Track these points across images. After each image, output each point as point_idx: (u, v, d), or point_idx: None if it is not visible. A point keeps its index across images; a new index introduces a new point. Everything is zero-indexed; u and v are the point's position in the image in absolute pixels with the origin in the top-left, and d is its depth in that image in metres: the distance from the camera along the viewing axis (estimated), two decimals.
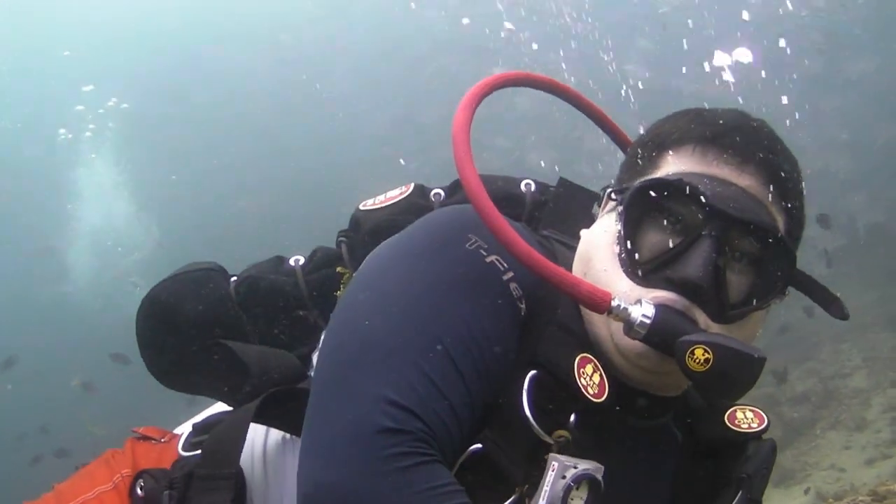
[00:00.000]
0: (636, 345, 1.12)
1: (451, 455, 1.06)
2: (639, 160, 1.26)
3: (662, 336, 1.09)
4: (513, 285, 1.14)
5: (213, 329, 1.41)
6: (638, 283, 1.15)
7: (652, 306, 1.10)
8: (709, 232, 1.12)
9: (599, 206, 1.31)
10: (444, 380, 1.03)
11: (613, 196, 1.23)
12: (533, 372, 1.12)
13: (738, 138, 1.18)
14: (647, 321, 1.09)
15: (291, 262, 1.49)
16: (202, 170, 15.84)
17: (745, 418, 1.29)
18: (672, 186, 1.15)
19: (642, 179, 1.20)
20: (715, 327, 1.13)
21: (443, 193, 1.43)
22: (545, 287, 1.14)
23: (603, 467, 1.11)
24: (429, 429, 0.99)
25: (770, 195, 1.18)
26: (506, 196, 1.39)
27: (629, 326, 1.11)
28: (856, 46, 10.83)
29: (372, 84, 15.27)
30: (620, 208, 1.19)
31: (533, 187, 1.44)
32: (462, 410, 1.05)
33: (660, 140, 1.24)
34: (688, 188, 1.13)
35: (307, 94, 15.23)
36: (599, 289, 1.12)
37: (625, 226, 1.17)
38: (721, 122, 1.20)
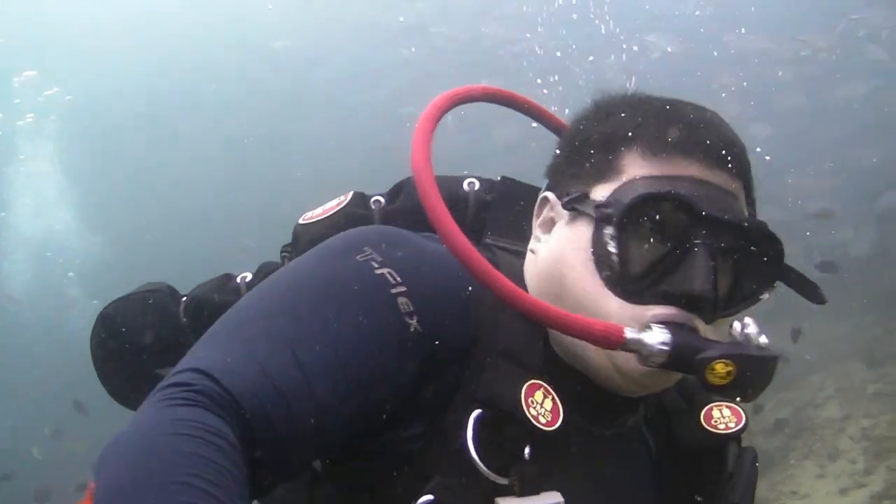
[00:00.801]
0: (643, 368, 1.08)
1: (289, 456, 0.98)
2: (590, 161, 1.18)
3: (681, 359, 1.05)
4: (402, 300, 1.06)
5: (163, 353, 1.39)
6: (630, 301, 1.09)
7: (666, 331, 1.05)
8: (703, 240, 1.08)
9: (535, 215, 1.25)
10: (277, 368, 0.96)
11: (579, 207, 1.15)
12: (477, 411, 1.06)
13: (704, 134, 1.13)
14: (666, 349, 1.04)
15: (238, 279, 1.46)
16: (150, 170, 15.20)
17: (723, 417, 1.23)
18: (672, 198, 1.08)
19: (636, 194, 1.10)
20: (710, 330, 1.11)
21: (383, 200, 1.39)
22: (478, 308, 1.11)
23: (561, 496, 1.08)
24: (230, 396, 0.91)
25: (742, 189, 1.16)
26: (449, 198, 1.28)
27: (646, 356, 1.05)
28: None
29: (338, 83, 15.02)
30: (609, 226, 1.10)
31: (477, 186, 1.37)
32: (300, 406, 0.96)
33: (614, 138, 1.17)
34: (686, 198, 1.08)
35: (268, 89, 14.79)
36: (612, 325, 1.05)
37: (621, 244, 1.09)
38: (684, 116, 1.15)
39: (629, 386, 1.13)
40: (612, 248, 1.09)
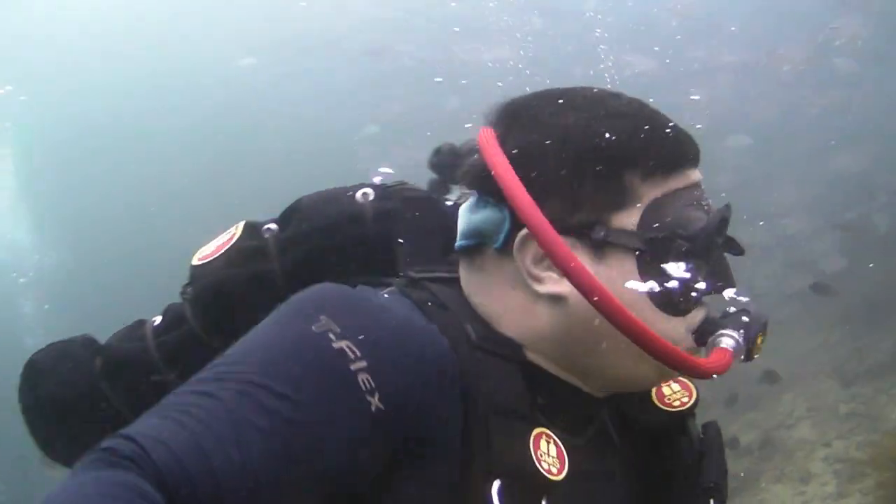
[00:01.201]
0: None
1: None
2: (593, 186, 1.09)
3: (748, 346, 1.13)
4: (363, 377, 0.97)
5: (77, 406, 1.36)
6: (680, 316, 1.12)
7: (731, 332, 1.11)
8: (719, 241, 1.14)
9: (522, 250, 1.10)
10: (213, 444, 0.89)
11: (614, 240, 1.08)
12: (497, 484, 1.01)
13: (685, 136, 1.16)
14: (743, 344, 1.11)
15: (148, 324, 1.43)
16: (111, 175, 14.76)
17: (674, 392, 1.26)
18: (725, 220, 1.14)
19: (706, 223, 1.11)
20: None
21: (275, 227, 1.33)
22: (455, 367, 1.04)
23: None
24: (154, 465, 0.86)
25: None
26: (342, 214, 1.30)
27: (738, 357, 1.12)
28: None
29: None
30: (665, 255, 1.09)
31: (371, 196, 1.31)
32: (232, 486, 0.88)
33: (616, 159, 1.10)
34: (728, 213, 1.14)
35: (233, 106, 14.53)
36: (720, 361, 1.08)
37: (676, 268, 1.09)
38: (663, 120, 1.15)
39: (659, 381, 1.20)
40: (669, 273, 1.09)
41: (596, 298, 1.01)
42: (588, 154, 1.09)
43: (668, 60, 10.30)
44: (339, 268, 1.22)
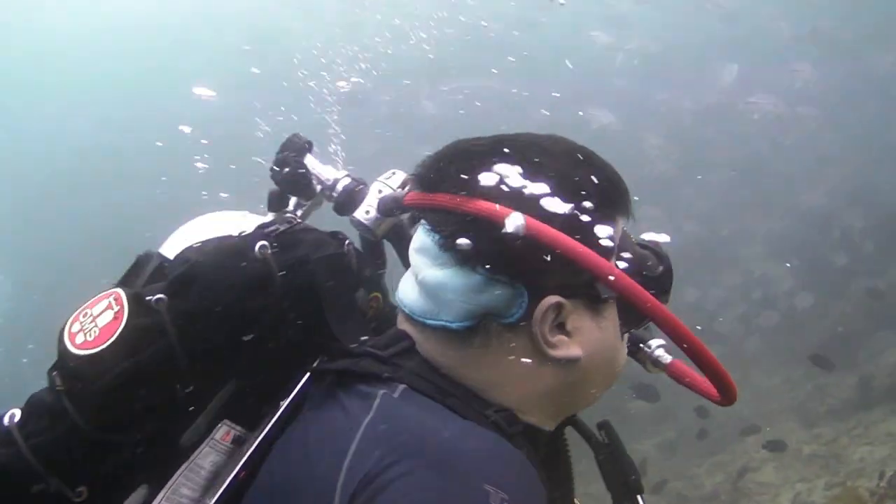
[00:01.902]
0: None
1: None
2: (592, 244, 1.09)
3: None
4: None
5: None
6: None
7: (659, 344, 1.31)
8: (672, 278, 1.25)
9: (545, 321, 1.10)
10: None
11: (609, 295, 1.12)
12: None
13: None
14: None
15: (7, 417, 1.23)
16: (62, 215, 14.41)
17: None
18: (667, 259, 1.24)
19: (663, 273, 1.22)
20: None
21: (164, 298, 1.18)
22: None
23: None
24: None
25: None
26: (253, 284, 1.20)
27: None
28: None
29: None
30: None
31: (269, 249, 1.22)
32: None
33: (607, 210, 1.13)
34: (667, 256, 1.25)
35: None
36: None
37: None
38: (613, 169, 1.19)
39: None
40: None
41: (686, 346, 1.08)
42: (590, 197, 1.11)
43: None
44: (248, 343, 1.17)
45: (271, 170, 1.51)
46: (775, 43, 11.94)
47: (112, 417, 1.12)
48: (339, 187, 1.51)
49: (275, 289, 1.18)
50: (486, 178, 1.08)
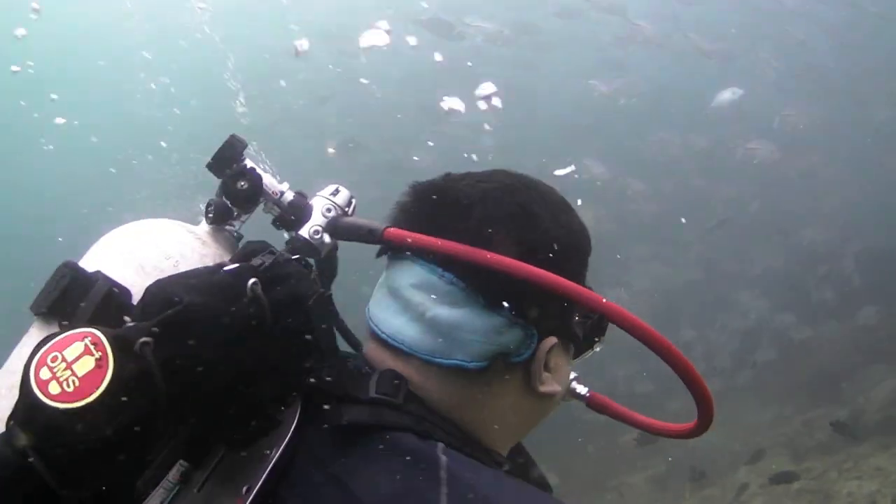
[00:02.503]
0: None
1: None
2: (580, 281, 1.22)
3: None
4: None
5: None
6: None
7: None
8: None
9: (544, 361, 1.19)
10: None
11: (581, 335, 1.25)
12: None
13: None
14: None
15: None
16: None
17: None
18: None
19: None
20: None
21: (150, 341, 0.99)
22: None
23: None
24: None
25: None
26: (247, 325, 1.06)
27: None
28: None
29: None
30: (595, 343, 1.31)
31: (259, 285, 1.06)
32: None
33: (585, 252, 1.26)
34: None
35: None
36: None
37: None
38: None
39: None
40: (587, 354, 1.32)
41: (675, 364, 1.17)
42: (584, 256, 1.26)
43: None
44: (238, 390, 1.05)
45: (224, 183, 1.36)
46: (768, 82, 12.16)
47: (90, 478, 0.96)
48: (285, 201, 1.39)
49: (266, 332, 1.06)
50: (487, 225, 1.14)
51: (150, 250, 1.26)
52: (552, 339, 1.18)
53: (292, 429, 1.07)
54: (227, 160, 1.37)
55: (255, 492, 1.03)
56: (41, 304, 1.18)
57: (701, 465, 8.38)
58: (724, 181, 11.76)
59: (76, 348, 0.97)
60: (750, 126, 10.93)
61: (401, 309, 1.18)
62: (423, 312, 1.15)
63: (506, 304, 1.13)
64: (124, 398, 0.95)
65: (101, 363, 0.96)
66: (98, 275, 1.18)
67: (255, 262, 1.11)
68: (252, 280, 1.05)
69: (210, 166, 1.37)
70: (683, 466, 8.36)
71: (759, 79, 11.65)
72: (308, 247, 1.36)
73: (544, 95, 12.31)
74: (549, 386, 1.20)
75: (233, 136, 1.38)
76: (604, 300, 1.14)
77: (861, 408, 8.98)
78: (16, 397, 0.97)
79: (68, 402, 0.94)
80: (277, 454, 1.05)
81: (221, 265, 1.12)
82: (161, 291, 1.05)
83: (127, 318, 1.05)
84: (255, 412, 1.07)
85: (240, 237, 1.40)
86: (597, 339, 1.29)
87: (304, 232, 1.37)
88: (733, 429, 8.66)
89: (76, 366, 0.96)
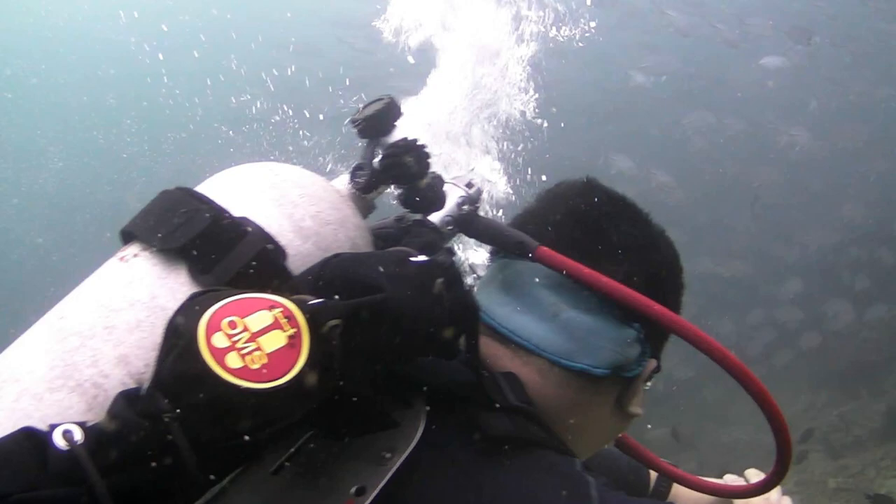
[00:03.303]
0: None
1: None
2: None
3: None
4: None
5: None
6: None
7: None
8: None
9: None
10: None
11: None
12: None
13: None
14: None
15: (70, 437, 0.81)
16: None
17: None
18: None
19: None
20: None
21: (339, 324, 0.85)
22: None
23: None
24: None
25: None
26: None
27: None
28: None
29: None
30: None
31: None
32: None
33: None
34: None
35: None
36: None
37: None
38: None
39: None
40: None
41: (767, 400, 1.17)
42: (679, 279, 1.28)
43: None
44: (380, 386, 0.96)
45: (388, 154, 1.19)
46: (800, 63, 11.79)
47: (228, 463, 0.85)
48: (424, 182, 1.21)
49: (441, 335, 0.95)
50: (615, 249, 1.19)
51: (307, 209, 1.07)
52: (654, 362, 1.22)
53: (419, 431, 0.97)
54: (383, 124, 1.20)
55: (373, 495, 0.92)
56: (170, 239, 0.97)
57: (732, 463, 8.18)
58: (762, 166, 11.43)
59: (262, 318, 0.83)
60: (785, 109, 10.58)
61: (526, 307, 1.17)
62: (556, 313, 1.15)
63: (636, 323, 1.16)
64: (311, 385, 0.81)
65: (293, 342, 0.82)
66: (248, 222, 0.99)
67: (440, 259, 0.99)
68: (440, 280, 0.93)
69: (361, 125, 1.20)
70: (713, 465, 8.16)
71: (792, 59, 11.20)
72: (434, 234, 1.21)
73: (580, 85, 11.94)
74: (636, 408, 1.23)
75: (391, 99, 1.22)
76: (729, 352, 1.15)
77: None
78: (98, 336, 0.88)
79: (252, 381, 0.79)
80: (403, 457, 0.95)
81: (408, 253, 0.98)
82: (351, 271, 0.93)
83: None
84: (381, 409, 0.96)
85: (373, 208, 1.23)
86: (657, 373, 1.27)
87: (435, 219, 1.23)
88: (766, 423, 8.42)
89: (263, 339, 0.82)
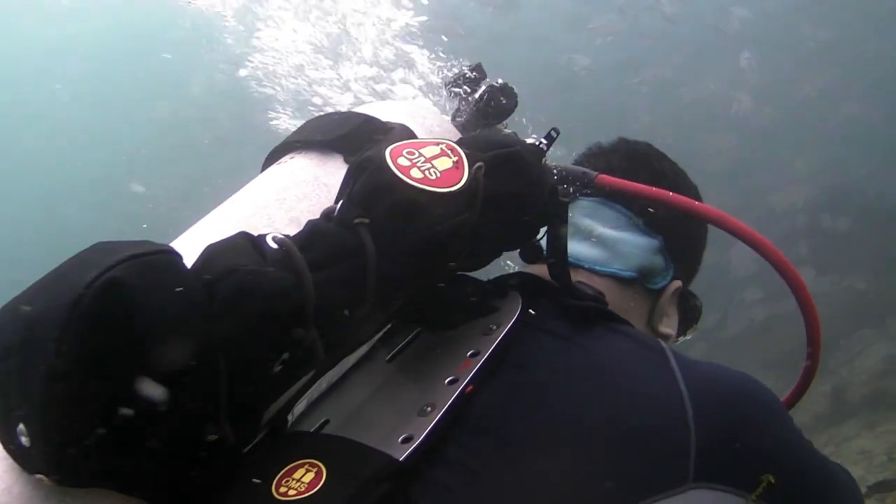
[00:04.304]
0: None
1: None
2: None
3: None
4: None
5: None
6: None
7: None
8: None
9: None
10: None
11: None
12: None
13: None
14: None
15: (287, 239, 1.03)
16: None
17: None
18: None
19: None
20: None
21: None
22: None
23: None
24: None
25: None
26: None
27: None
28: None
29: None
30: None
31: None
32: None
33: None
34: None
35: None
36: None
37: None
38: None
39: None
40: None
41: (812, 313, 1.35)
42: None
43: None
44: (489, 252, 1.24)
45: (486, 93, 1.42)
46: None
47: (416, 269, 1.03)
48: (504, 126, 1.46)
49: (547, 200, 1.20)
50: (660, 173, 1.44)
51: (434, 120, 1.31)
52: (678, 282, 1.42)
53: (518, 309, 1.16)
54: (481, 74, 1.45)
55: (486, 356, 1.08)
56: (329, 134, 1.19)
57: None
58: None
59: (432, 149, 1.09)
60: None
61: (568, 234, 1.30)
62: (590, 232, 1.38)
63: (660, 235, 1.39)
64: (474, 191, 1.05)
65: (458, 164, 1.08)
66: (394, 123, 1.23)
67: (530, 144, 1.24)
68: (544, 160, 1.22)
69: (461, 77, 1.44)
70: None
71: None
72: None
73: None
74: (666, 327, 1.41)
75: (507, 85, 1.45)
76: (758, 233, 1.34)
77: (845, 381, 8.32)
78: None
79: (433, 186, 1.03)
80: (508, 327, 1.13)
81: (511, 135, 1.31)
82: (485, 138, 1.18)
83: None
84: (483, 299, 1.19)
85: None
86: (695, 325, 1.48)
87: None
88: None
89: (436, 161, 1.07)
